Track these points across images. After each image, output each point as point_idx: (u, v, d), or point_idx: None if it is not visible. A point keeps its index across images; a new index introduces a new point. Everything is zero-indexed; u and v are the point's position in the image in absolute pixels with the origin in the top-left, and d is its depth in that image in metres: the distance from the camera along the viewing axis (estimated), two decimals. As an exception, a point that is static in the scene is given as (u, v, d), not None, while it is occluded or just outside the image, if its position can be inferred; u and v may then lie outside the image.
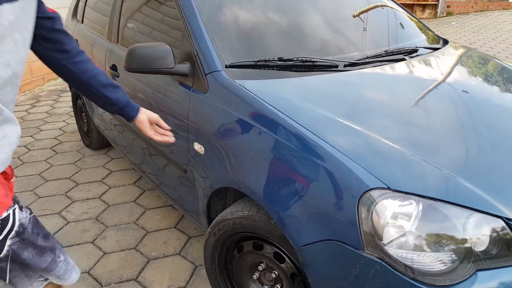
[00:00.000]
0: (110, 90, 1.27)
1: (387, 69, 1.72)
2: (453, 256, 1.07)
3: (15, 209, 1.03)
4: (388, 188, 1.09)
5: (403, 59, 1.81)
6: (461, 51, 2.12)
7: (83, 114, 3.40)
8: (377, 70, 1.70)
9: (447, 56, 1.98)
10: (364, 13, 2.08)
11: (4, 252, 1.02)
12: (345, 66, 1.70)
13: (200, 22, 1.71)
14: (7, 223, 1.01)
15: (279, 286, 1.50)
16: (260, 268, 1.53)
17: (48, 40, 1.14)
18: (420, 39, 2.15)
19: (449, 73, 1.80)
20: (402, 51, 1.89)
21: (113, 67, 2.28)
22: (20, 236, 1.04)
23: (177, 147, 1.79)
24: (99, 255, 2.12)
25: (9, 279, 1.07)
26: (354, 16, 2.05)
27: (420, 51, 1.96)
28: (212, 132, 1.54)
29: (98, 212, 2.50)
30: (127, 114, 1.33)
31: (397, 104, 1.49)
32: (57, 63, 1.19)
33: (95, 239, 2.25)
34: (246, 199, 1.52)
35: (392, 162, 1.16)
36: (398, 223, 1.07)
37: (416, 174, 1.14)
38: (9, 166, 1.12)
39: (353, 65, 1.71)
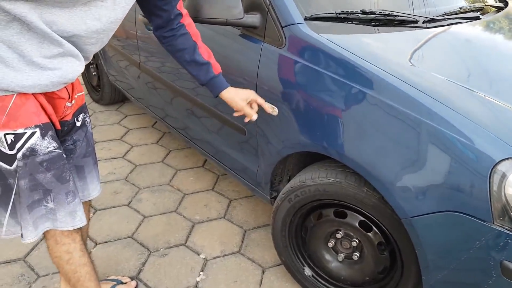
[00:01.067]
0: (192, 66, 1.32)
1: (469, 28, 1.61)
2: None
3: (35, 132, 0.99)
4: (529, 157, 1.01)
5: (478, 18, 1.70)
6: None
7: (90, 67, 3.15)
8: (460, 29, 1.59)
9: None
10: None
11: (13, 166, 1.00)
12: (424, 22, 1.57)
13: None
14: (19, 140, 0.98)
15: (358, 255, 1.45)
16: (338, 236, 1.47)
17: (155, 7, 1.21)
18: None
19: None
20: (474, 9, 1.78)
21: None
22: (24, 160, 0.99)
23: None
24: (139, 219, 2.01)
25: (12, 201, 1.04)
26: None
27: (487, 9, 1.85)
28: (291, 91, 1.40)
29: (126, 172, 2.36)
30: (210, 91, 1.37)
31: (501, 66, 1.40)
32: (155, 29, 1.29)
33: (130, 202, 2.12)
34: (327, 165, 1.43)
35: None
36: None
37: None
38: (70, 85, 1.12)
39: (432, 21, 1.59)
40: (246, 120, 1.41)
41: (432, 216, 1.12)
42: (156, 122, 2.92)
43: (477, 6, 1.82)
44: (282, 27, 1.44)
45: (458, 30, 1.58)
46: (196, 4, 1.47)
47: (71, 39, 0.99)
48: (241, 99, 1.36)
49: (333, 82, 1.30)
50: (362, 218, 1.39)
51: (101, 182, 2.26)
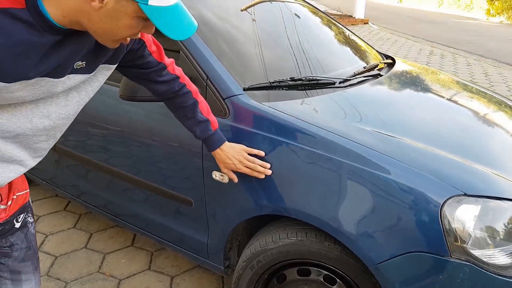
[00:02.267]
0: (192, 122, 1.33)
1: (376, 84, 1.86)
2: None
3: None
4: (465, 194, 1.19)
5: (380, 75, 1.98)
6: (413, 66, 2.41)
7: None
8: (370, 86, 1.83)
9: (405, 69, 2.23)
10: (251, 8, 2.08)
11: None
12: (340, 82, 1.78)
13: (204, 45, 1.60)
14: None
15: (324, 308, 1.48)
16: (303, 294, 1.49)
17: (153, 82, 1.25)
18: (368, 55, 2.37)
19: (422, 84, 2.04)
20: (373, 66, 2.06)
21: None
22: None
23: (182, 179, 1.63)
24: (74, 319, 1.77)
25: None
26: (241, 10, 2.02)
27: (381, 66, 2.17)
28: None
29: (46, 266, 2.09)
30: (206, 146, 1.40)
31: (414, 116, 1.63)
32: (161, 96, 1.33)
33: (58, 301, 1.87)
34: (284, 225, 1.47)
35: (455, 169, 1.27)
36: (476, 225, 1.18)
37: (477, 178, 1.27)
38: (5, 186, 1.04)
39: (345, 81, 1.80)
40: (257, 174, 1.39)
41: (397, 259, 1.22)
42: (69, 203, 2.67)
43: (375, 63, 2.12)
44: (223, 99, 1.50)
45: (368, 87, 1.82)
46: (133, 85, 1.45)
47: (16, 139, 0.92)
48: (230, 156, 1.39)
49: (280, 145, 1.38)
50: (325, 272, 1.44)
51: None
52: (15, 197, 1.07)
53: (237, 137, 1.46)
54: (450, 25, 11.82)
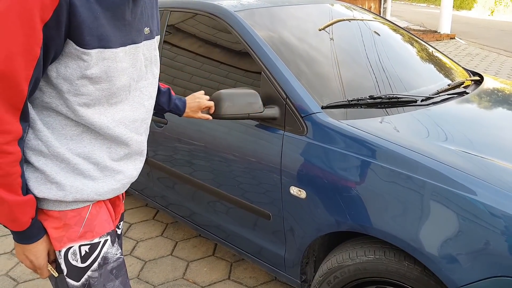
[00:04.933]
0: (160, 97, 1.37)
1: (461, 103, 1.80)
2: None
3: (107, 240, 1.01)
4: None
5: (466, 92, 1.91)
6: (501, 82, 2.28)
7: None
8: (455, 104, 1.77)
9: (494, 87, 2.12)
10: (329, 27, 2.11)
11: (82, 280, 0.97)
12: (422, 100, 1.75)
13: (283, 65, 1.69)
14: (94, 250, 0.99)
15: (402, 329, 1.45)
16: (381, 312, 1.48)
17: None
18: (453, 72, 2.29)
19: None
20: (458, 83, 2.00)
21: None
22: (99, 271, 0.99)
23: (261, 192, 1.71)
24: (160, 320, 1.92)
25: None
26: (320, 30, 2.08)
27: (467, 83, 2.09)
28: (319, 174, 1.49)
29: (137, 270, 2.29)
30: (177, 110, 1.43)
31: (502, 135, 1.56)
32: None
33: (146, 302, 2.04)
34: (361, 242, 1.48)
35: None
36: None
37: None
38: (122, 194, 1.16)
39: (428, 99, 1.77)
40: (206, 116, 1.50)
41: (482, 283, 1.17)
42: (157, 213, 2.90)
43: (461, 81, 2.05)
44: (302, 117, 1.57)
45: (453, 105, 1.76)
46: (217, 103, 1.57)
47: (140, 128, 1.04)
48: (200, 97, 1.47)
49: (360, 162, 1.40)
50: (404, 292, 1.41)
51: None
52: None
53: (315, 154, 1.51)
54: (550, 38, 10.79)
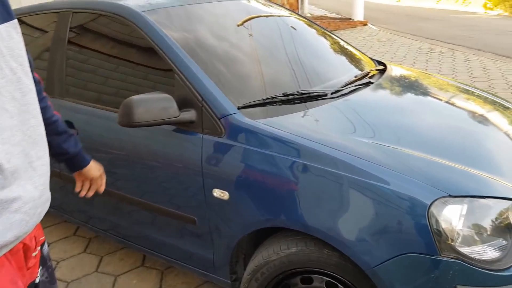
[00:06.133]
0: (63, 138, 1.23)
1: (367, 92, 1.91)
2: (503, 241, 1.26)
3: None
4: (449, 196, 1.24)
5: (371, 83, 2.03)
6: (404, 70, 2.45)
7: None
8: (361, 94, 1.88)
9: (398, 75, 2.28)
10: (247, 22, 2.17)
11: None
12: (332, 93, 1.83)
13: (197, 67, 1.67)
14: None
15: (329, 314, 1.53)
16: (308, 301, 1.54)
17: None
18: (361, 62, 2.43)
19: (415, 88, 2.09)
20: (364, 74, 2.12)
21: (68, 124, 2.03)
22: None
23: (184, 198, 1.69)
24: None
25: None
26: (238, 25, 2.11)
27: (372, 73, 2.22)
28: (239, 175, 1.50)
29: (61, 291, 2.16)
30: (78, 163, 1.32)
31: (403, 121, 1.68)
32: None
33: (74, 323, 1.94)
34: (284, 237, 1.52)
35: (442, 172, 1.32)
36: (463, 223, 1.23)
37: (462, 179, 1.31)
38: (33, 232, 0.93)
39: (337, 91, 1.86)
40: (91, 193, 1.43)
41: (391, 262, 1.27)
42: (78, 228, 2.74)
43: (366, 72, 2.17)
44: (219, 119, 1.57)
45: (360, 95, 1.87)
46: (129, 111, 1.51)
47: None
48: (97, 169, 1.39)
49: (275, 160, 1.44)
50: (327, 278, 1.49)
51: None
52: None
53: (234, 155, 1.52)
54: (448, 21, 11.82)
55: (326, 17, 13.18)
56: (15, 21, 0.87)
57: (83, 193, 1.41)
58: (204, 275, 1.82)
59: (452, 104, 2.01)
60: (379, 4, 18.50)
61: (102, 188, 1.44)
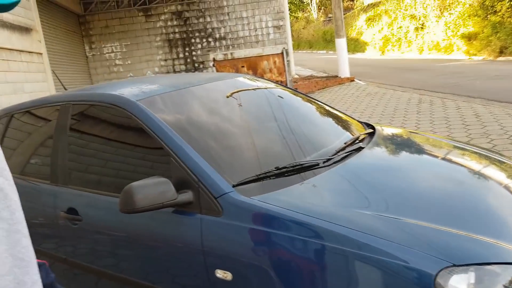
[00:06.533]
0: None
1: (359, 158, 1.97)
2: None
3: None
4: (454, 265, 1.24)
5: (361, 148, 2.10)
6: (392, 131, 2.54)
7: None
8: (353, 161, 1.94)
9: (389, 136, 2.36)
10: (236, 93, 2.27)
11: None
12: (324, 162, 1.89)
13: (190, 149, 1.74)
14: None
15: None
16: None
17: None
18: (349, 126, 2.52)
19: (406, 150, 2.16)
20: (354, 140, 2.19)
21: (72, 211, 2.07)
22: None
23: (188, 277, 1.69)
24: None
25: None
26: (227, 97, 2.20)
27: (362, 137, 2.30)
28: (241, 254, 1.52)
29: None
30: None
31: (400, 186, 1.72)
32: None
33: None
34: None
35: (442, 240, 1.34)
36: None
37: (464, 245, 1.33)
38: None
39: (329, 160, 1.92)
40: None
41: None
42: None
43: (356, 137, 2.25)
44: (215, 198, 1.61)
45: (352, 162, 1.92)
46: (128, 199, 1.56)
47: None
48: None
49: (276, 238, 1.46)
50: None
51: None
52: None
53: (232, 234, 1.55)
54: (434, 70, 12.27)
55: (314, 77, 13.70)
56: None
57: None
58: None
59: (447, 164, 2.06)
60: (363, 59, 19.29)
61: None
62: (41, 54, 6.66)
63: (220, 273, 1.57)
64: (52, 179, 2.24)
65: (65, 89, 3.04)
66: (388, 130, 2.52)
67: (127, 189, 1.58)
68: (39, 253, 2.61)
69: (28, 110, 2.57)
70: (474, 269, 1.24)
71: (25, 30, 6.14)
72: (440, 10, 17.54)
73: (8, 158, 2.57)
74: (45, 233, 2.29)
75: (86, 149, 2.19)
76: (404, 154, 2.16)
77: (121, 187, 1.63)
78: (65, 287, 2.27)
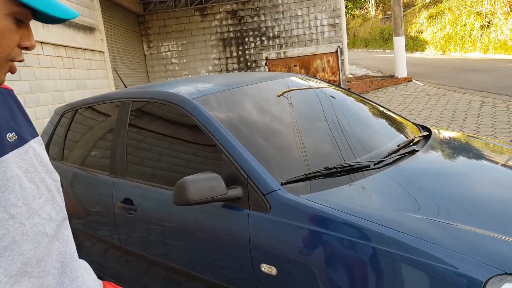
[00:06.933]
0: None
1: (412, 162, 1.92)
2: None
3: None
4: (505, 273, 1.19)
5: (416, 151, 2.04)
6: (449, 134, 2.45)
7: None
8: (406, 164, 1.89)
9: (443, 140, 2.27)
10: (287, 93, 2.30)
11: None
12: (374, 164, 1.86)
13: (242, 146, 1.79)
14: None
15: None
16: None
17: None
18: (403, 128, 2.45)
19: (463, 155, 2.08)
20: (408, 142, 2.14)
21: (127, 201, 2.20)
22: None
23: (234, 270, 1.74)
24: None
25: None
26: (278, 96, 2.26)
27: (416, 139, 2.24)
28: (286, 250, 1.54)
29: None
30: None
31: (454, 192, 1.66)
32: None
33: None
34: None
35: (495, 248, 1.29)
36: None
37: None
38: None
39: (380, 162, 1.89)
40: None
41: None
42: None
43: (410, 139, 2.19)
44: (264, 195, 1.64)
45: (405, 165, 1.88)
46: (181, 192, 1.64)
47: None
48: None
49: (323, 237, 1.47)
50: None
51: None
52: None
53: (279, 230, 1.57)
54: (499, 71, 11.54)
55: (368, 76, 13.35)
56: (39, 137, 0.85)
57: None
58: None
59: (506, 170, 1.96)
60: (423, 59, 18.51)
61: None
62: (103, 52, 7.07)
63: (265, 268, 1.61)
64: (111, 171, 2.39)
65: (125, 86, 3.21)
66: (445, 134, 2.42)
67: (181, 182, 1.65)
68: (95, 239, 2.82)
69: (91, 106, 2.76)
70: (529, 278, 1.18)
71: (89, 29, 6.54)
72: (510, 7, 16.43)
73: (71, 150, 2.80)
74: (102, 220, 2.44)
75: (143, 143, 2.31)
76: (460, 159, 2.07)
77: (174, 180, 1.72)
78: (118, 272, 2.42)
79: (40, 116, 4.91)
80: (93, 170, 2.57)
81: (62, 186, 0.88)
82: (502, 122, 5.90)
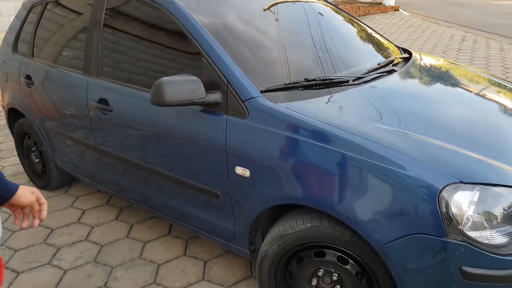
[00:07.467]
0: None
1: (390, 80, 1.97)
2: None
3: None
4: (461, 182, 1.30)
5: (394, 70, 2.08)
6: (431, 59, 2.48)
7: (32, 154, 3.11)
8: (384, 81, 1.93)
9: (423, 64, 2.31)
10: (270, 8, 2.25)
11: None
12: (353, 80, 1.90)
13: (223, 51, 1.77)
14: None
15: (339, 287, 1.63)
16: (319, 273, 1.65)
17: None
18: (386, 50, 2.46)
19: (440, 78, 2.13)
20: (388, 62, 2.16)
21: (103, 102, 2.18)
22: None
23: (208, 173, 1.82)
24: (120, 298, 2.01)
25: None
26: (264, 10, 2.21)
27: (397, 61, 2.26)
28: (260, 155, 1.61)
29: (94, 254, 2.35)
30: (2, 194, 1.09)
31: (421, 109, 1.73)
32: None
33: (106, 282, 2.12)
34: (300, 213, 1.63)
35: (455, 159, 1.38)
36: (473, 209, 1.29)
37: (475, 166, 1.37)
38: None
39: (359, 78, 1.92)
40: (36, 222, 1.17)
41: (400, 241, 1.36)
42: (111, 198, 2.94)
43: (390, 59, 2.22)
44: (243, 101, 1.67)
45: (382, 83, 1.92)
46: (160, 91, 1.63)
47: None
48: (30, 192, 1.14)
49: (296, 143, 1.53)
50: (338, 253, 1.59)
51: (71, 269, 2.24)
52: None
53: (256, 135, 1.62)
54: (486, 8, 11.41)
55: (356, 1, 12.96)
56: None
57: (23, 225, 1.15)
58: (225, 245, 1.96)
59: (479, 98, 2.03)
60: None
61: (43, 214, 1.17)
62: None
63: (239, 170, 1.68)
64: (85, 70, 2.34)
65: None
66: (425, 58, 2.45)
67: (159, 82, 1.64)
68: (70, 139, 2.82)
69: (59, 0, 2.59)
70: (479, 188, 1.30)
71: None
72: None
73: (41, 48, 2.68)
74: (76, 121, 2.43)
75: (119, 42, 2.23)
76: (436, 82, 2.13)
77: (152, 82, 1.69)
78: (95, 173, 2.47)
79: (6, 13, 4.60)
80: (66, 68, 2.50)
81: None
82: (479, 58, 5.98)
